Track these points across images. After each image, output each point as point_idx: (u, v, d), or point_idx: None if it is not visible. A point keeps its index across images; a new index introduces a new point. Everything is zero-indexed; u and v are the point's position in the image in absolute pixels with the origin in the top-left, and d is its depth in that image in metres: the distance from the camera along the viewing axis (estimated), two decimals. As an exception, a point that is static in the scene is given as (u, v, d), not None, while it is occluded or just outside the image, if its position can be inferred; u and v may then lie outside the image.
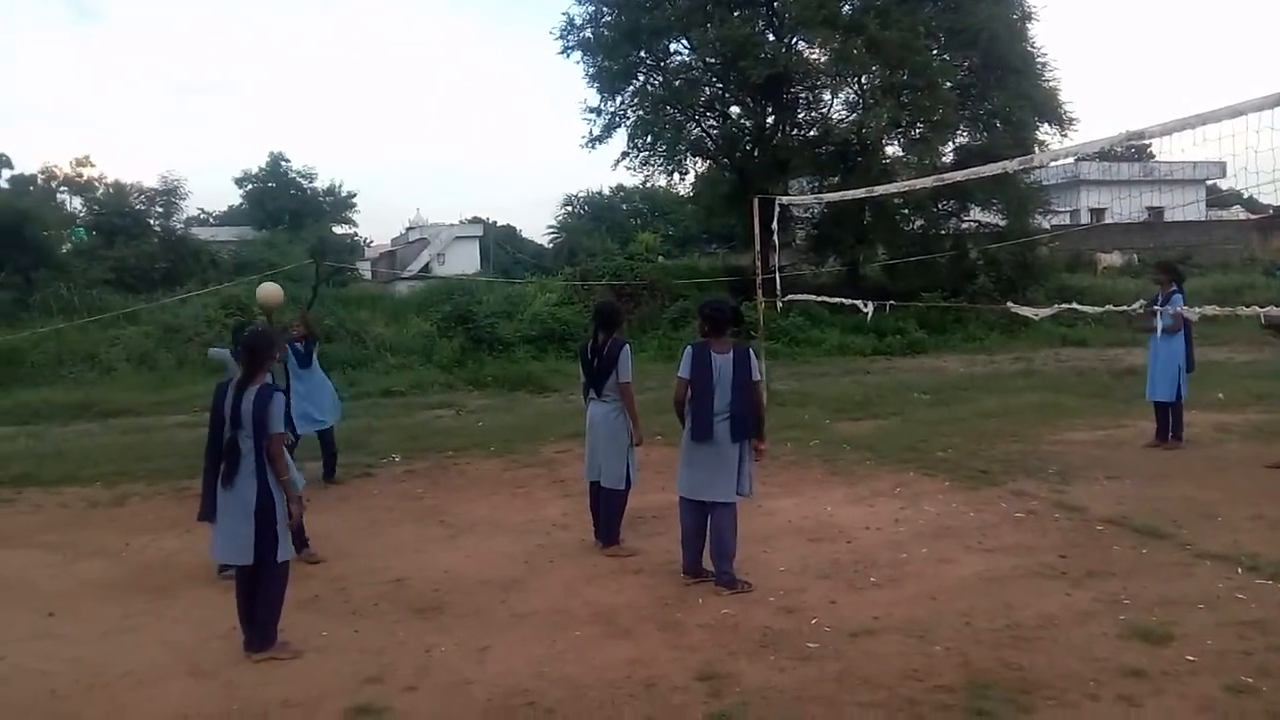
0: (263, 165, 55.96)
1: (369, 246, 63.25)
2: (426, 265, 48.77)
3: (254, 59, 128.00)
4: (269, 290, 8.57)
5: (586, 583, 5.98)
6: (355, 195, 59.58)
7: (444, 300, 22.65)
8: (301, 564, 6.03)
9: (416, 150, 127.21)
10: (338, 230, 55.89)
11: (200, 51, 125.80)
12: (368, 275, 42.77)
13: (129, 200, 36.07)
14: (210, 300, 21.24)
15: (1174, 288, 9.46)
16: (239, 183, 56.60)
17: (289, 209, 52.05)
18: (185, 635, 5.28)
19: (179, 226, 36.21)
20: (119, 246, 31.53)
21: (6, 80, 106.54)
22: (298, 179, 55.80)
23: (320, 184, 57.01)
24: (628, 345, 6.57)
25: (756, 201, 13.59)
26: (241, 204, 57.20)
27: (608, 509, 6.64)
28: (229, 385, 4.95)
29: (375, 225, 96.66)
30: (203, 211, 58.23)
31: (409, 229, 58.28)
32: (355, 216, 60.89)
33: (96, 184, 41.43)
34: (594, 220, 54.09)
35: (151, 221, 34.90)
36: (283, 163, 55.60)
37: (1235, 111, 6.99)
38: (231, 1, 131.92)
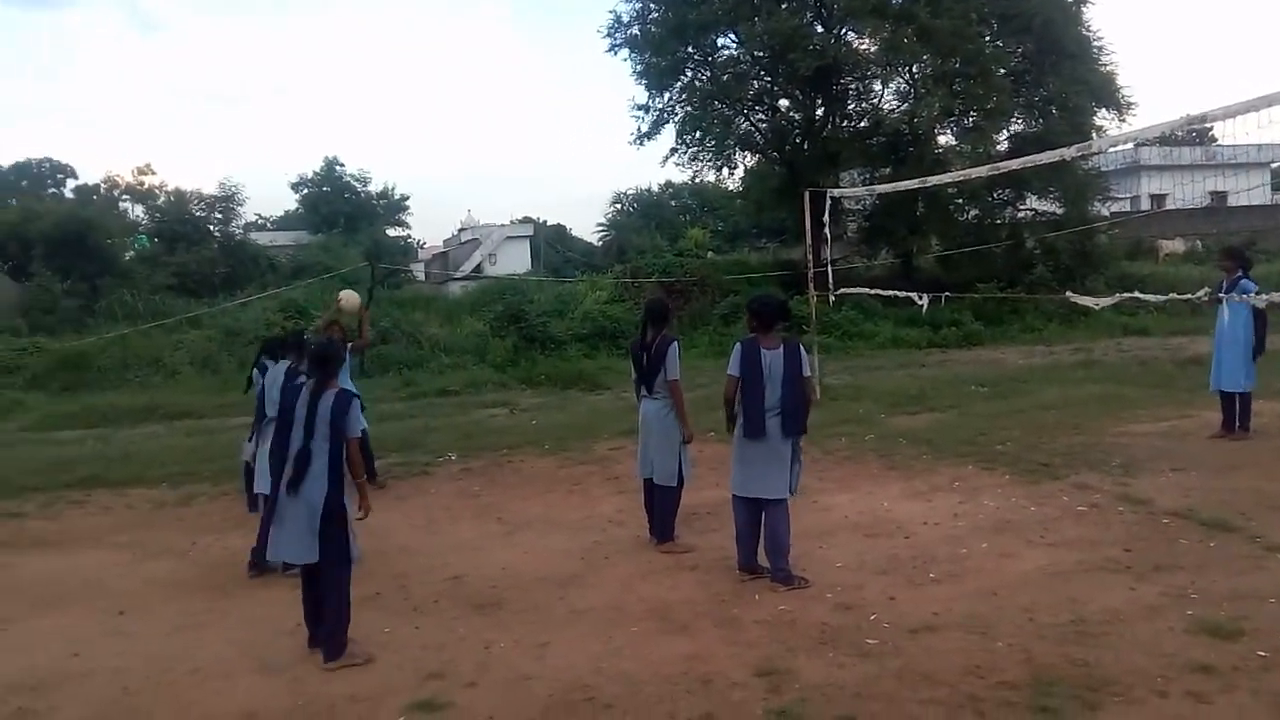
0: (318, 170, 56.89)
1: (422, 248, 64.00)
2: (478, 266, 49.22)
3: (308, 64, 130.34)
4: (351, 298, 8.81)
5: (642, 579, 5.99)
6: (408, 198, 60.38)
7: (496, 300, 22.90)
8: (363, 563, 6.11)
9: (468, 152, 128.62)
10: (391, 233, 56.66)
11: (257, 58, 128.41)
12: (421, 277, 43.35)
13: (189, 207, 37.02)
14: (269, 304, 21.69)
15: (1240, 274, 9.19)
16: (295, 187, 57.62)
17: (344, 212, 52.83)
18: (251, 633, 5.38)
19: (238, 232, 37.13)
20: (180, 253, 32.37)
21: (72, 91, 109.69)
22: (352, 182, 56.61)
23: (374, 187, 57.81)
24: (676, 342, 6.56)
25: (807, 195, 13.49)
26: (298, 208, 58.19)
27: (661, 506, 6.65)
28: (302, 386, 5.07)
29: (428, 227, 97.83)
30: (260, 217, 59.61)
31: (461, 230, 58.85)
32: (408, 219, 61.70)
33: (158, 192, 42.59)
34: (643, 217, 54.10)
35: (211, 227, 35.78)
36: (337, 167, 56.46)
37: (1304, 91, 6.79)
38: (285, 7, 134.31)
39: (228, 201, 37.46)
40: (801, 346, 5.75)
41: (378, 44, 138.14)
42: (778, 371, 5.64)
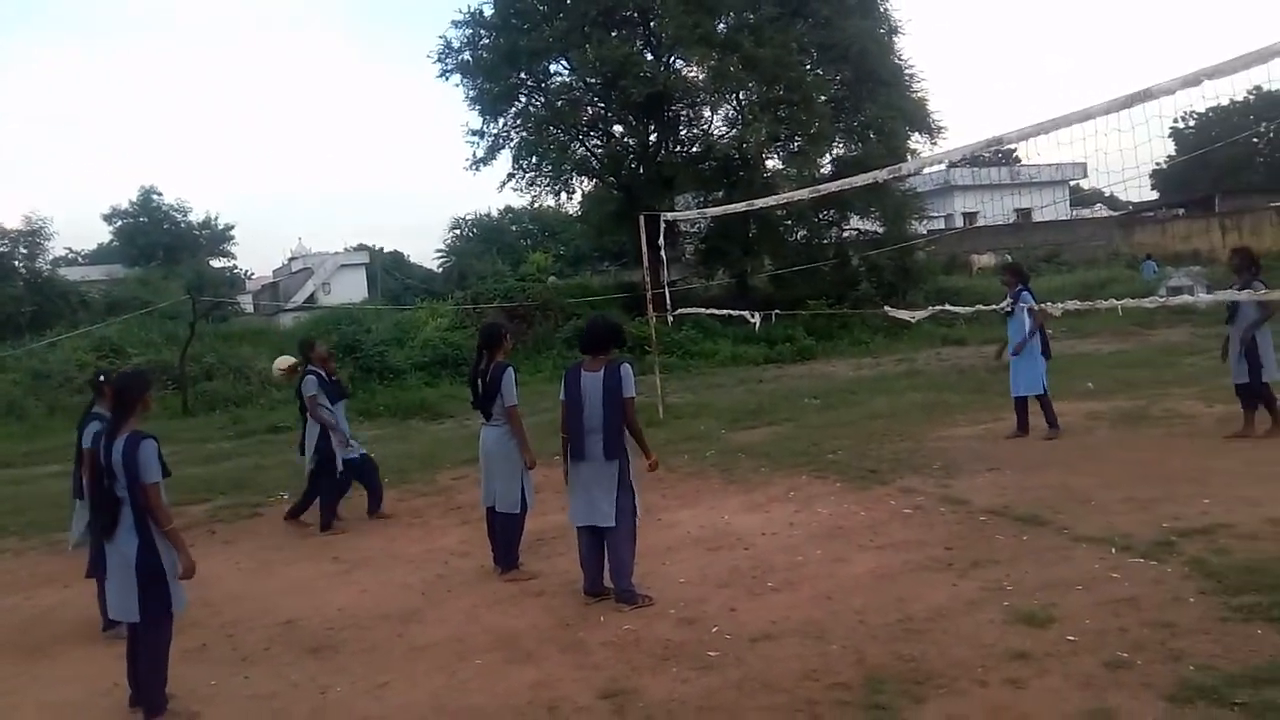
0: (133, 200, 53.83)
1: (250, 279, 61.35)
2: (311, 295, 47.50)
3: (123, 87, 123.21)
4: (281, 363, 8.54)
5: (487, 609, 5.90)
6: (233, 227, 57.93)
7: (330, 330, 22.17)
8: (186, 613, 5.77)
9: (297, 179, 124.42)
10: (216, 264, 54.14)
11: (64, 80, 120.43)
12: (249, 309, 41.50)
13: (-11, 243, 34.22)
14: (81, 343, 20.32)
15: (1020, 287, 9.92)
16: (108, 219, 54.33)
17: (163, 244, 50.20)
18: (67, 695, 5.02)
19: (45, 268, 34.57)
20: (-20, 292, 29.89)
21: None
22: (171, 213, 53.81)
23: (195, 217, 55.17)
24: (510, 368, 6.52)
25: (643, 218, 13.73)
26: (112, 241, 54.82)
27: (504, 533, 6.57)
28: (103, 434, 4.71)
29: (256, 257, 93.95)
30: (71, 251, 55.71)
31: (291, 259, 56.73)
32: (234, 249, 59.18)
33: (-47, 227, 39.05)
34: (484, 243, 53.69)
35: (16, 264, 33.21)
36: (155, 196, 53.60)
37: (1085, 115, 7.39)
38: (92, 29, 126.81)
39: (33, 235, 34.86)
40: (625, 368, 5.74)
41: (197, 67, 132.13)
42: (596, 394, 5.67)
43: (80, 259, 56.59)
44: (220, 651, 5.51)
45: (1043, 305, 9.52)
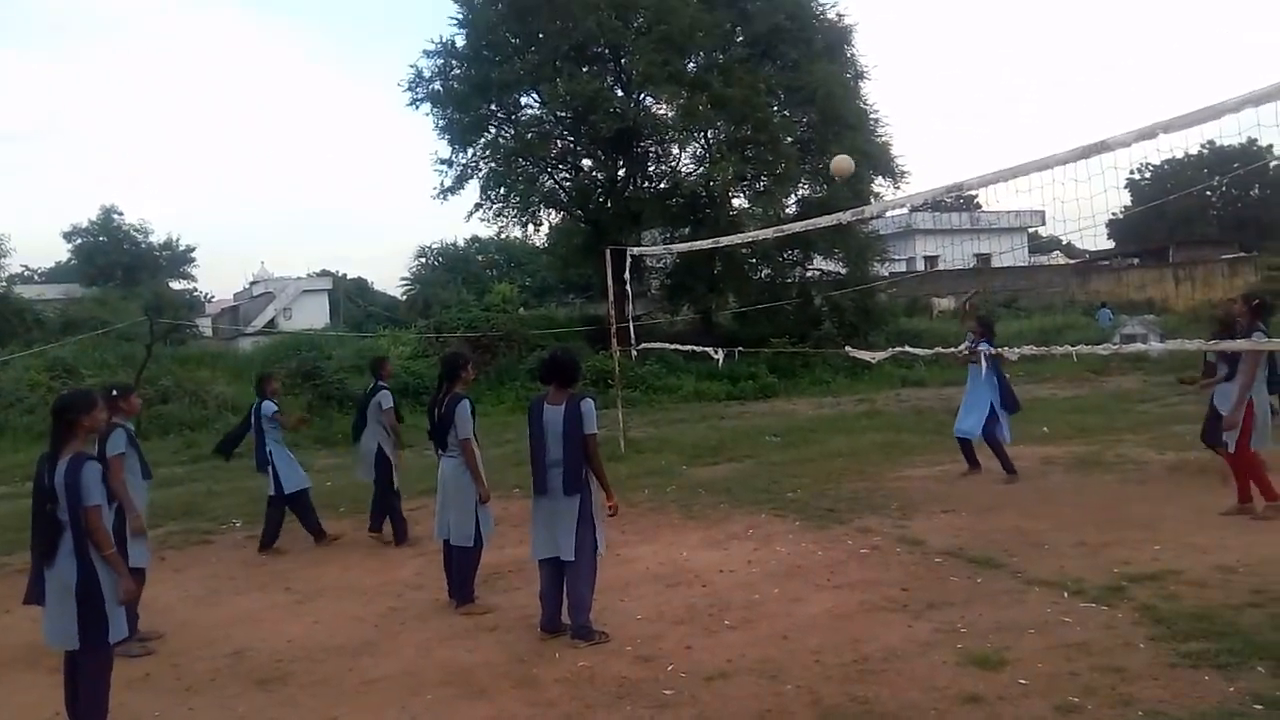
0: (93, 218, 53.02)
1: (210, 302, 60.54)
2: (272, 320, 47.00)
3: (84, 104, 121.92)
4: (843, 162, 9.46)
5: (440, 643, 5.83)
6: (194, 249, 57.17)
7: (290, 356, 21.89)
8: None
9: (261, 202, 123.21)
10: (175, 286, 53.33)
11: (26, 94, 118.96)
12: (208, 332, 40.96)
13: (-59, 257, 33.60)
14: (34, 362, 19.87)
15: (984, 339, 9.99)
16: (67, 237, 53.40)
17: (122, 264, 49.38)
18: (3, 723, 4.87)
19: (0, 285, 33.94)
20: (-70, 307, 29.26)
21: None
22: (132, 233, 53.06)
23: (157, 238, 54.41)
24: (466, 400, 6.49)
25: (610, 252, 13.80)
26: (70, 260, 53.93)
27: (459, 566, 6.52)
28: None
29: (217, 280, 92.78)
30: (27, 268, 54.76)
31: (253, 283, 56.12)
32: (195, 271, 58.28)
33: (-97, 239, 38.35)
34: (449, 272, 53.45)
35: (-30, 279, 32.61)
36: (115, 215, 52.84)
37: (1043, 165, 7.56)
38: (55, 40, 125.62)
39: (-11, 252, 34.33)
40: (586, 402, 5.71)
41: (164, 86, 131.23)
42: (557, 428, 5.65)
43: (37, 277, 55.66)
44: (165, 681, 5.39)
45: (999, 350, 9.69)
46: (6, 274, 36.91)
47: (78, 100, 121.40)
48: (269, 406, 8.77)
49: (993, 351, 9.76)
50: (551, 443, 5.67)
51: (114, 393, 6.37)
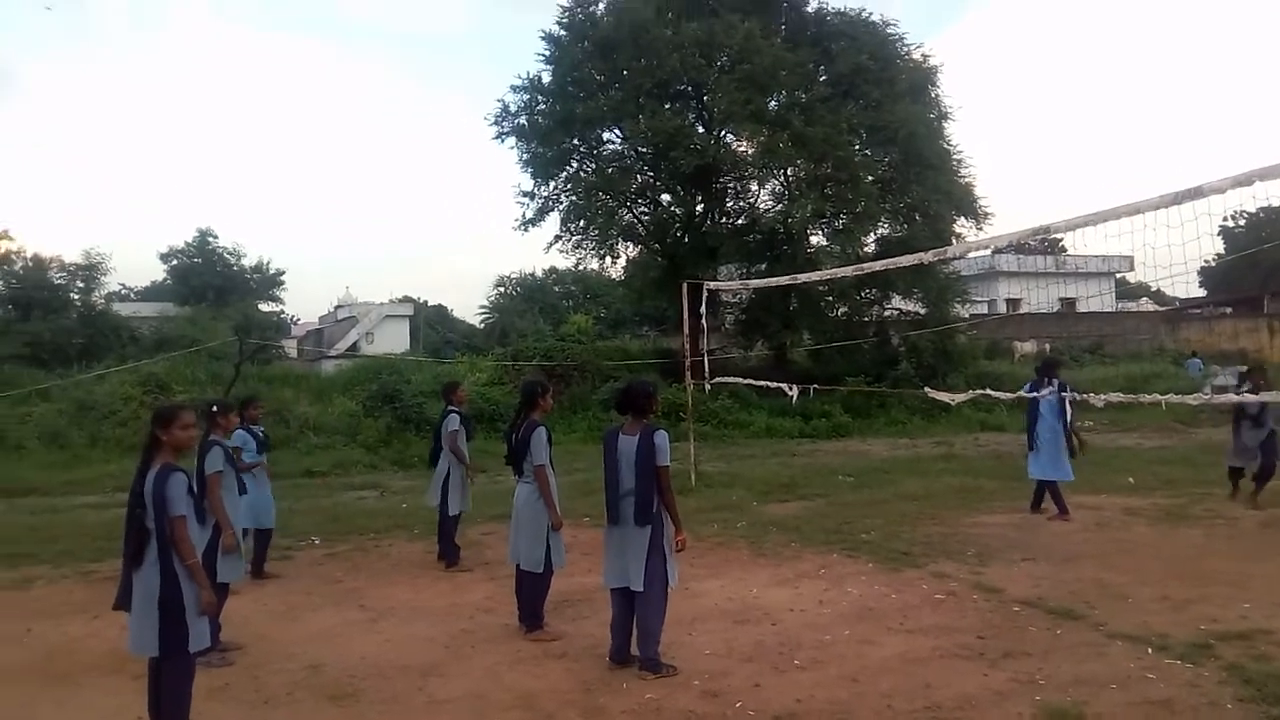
0: (189, 240, 55.11)
1: (296, 324, 62.33)
2: (354, 344, 48.23)
3: (185, 131, 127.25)
4: None
5: (509, 668, 5.88)
6: (283, 273, 58.92)
7: (371, 379, 22.41)
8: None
9: (348, 229, 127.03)
10: (264, 308, 55.00)
11: (129, 122, 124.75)
12: (293, 353, 42.13)
13: (48, 274, 35.24)
14: (128, 377, 20.68)
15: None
16: (164, 258, 55.58)
17: (214, 285, 51.15)
18: (87, 725, 5.05)
19: (99, 302, 35.45)
20: (35, 321, 30.69)
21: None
22: (225, 255, 55.01)
23: (248, 261, 56.28)
24: (542, 428, 6.56)
25: (686, 286, 13.86)
26: (166, 280, 56.08)
27: (529, 592, 6.57)
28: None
29: (304, 303, 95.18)
30: (125, 287, 57.09)
31: (337, 307, 57.73)
32: (283, 294, 59.98)
33: (15, 257, 40.33)
34: (526, 301, 54.27)
35: (73, 296, 34.12)
36: (210, 239, 54.85)
37: (1135, 210, 7.42)
38: (166, 74, 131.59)
39: (90, 270, 35.86)
40: (659, 434, 5.70)
41: (258, 114, 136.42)
42: (630, 458, 5.68)
43: (133, 295, 58.01)
44: (243, 692, 5.53)
45: (1064, 395, 10.15)
46: (105, 291, 38.47)
47: (178, 123, 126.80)
48: (452, 420, 8.91)
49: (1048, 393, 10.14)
50: (625, 473, 5.71)
51: (214, 409, 6.57)
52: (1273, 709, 4.72)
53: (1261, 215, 51.16)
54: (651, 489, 5.64)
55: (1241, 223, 52.94)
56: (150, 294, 57.35)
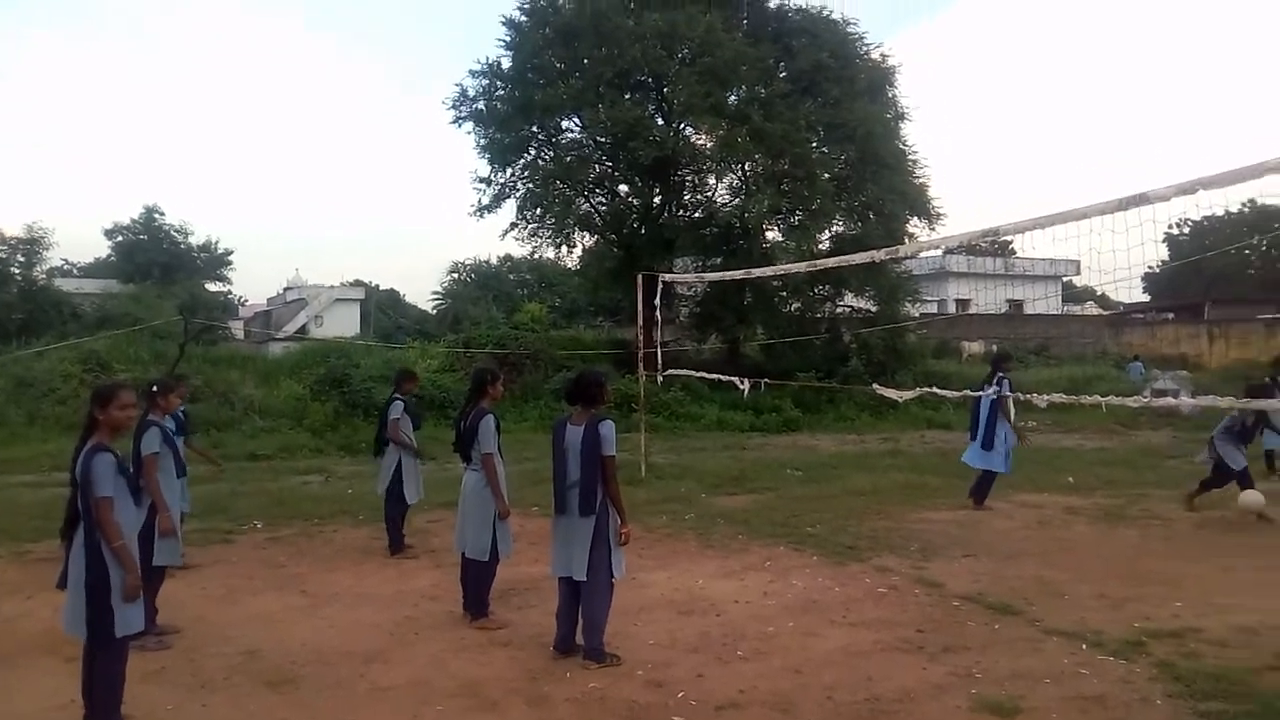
0: (135, 218, 53.88)
1: (244, 305, 61.26)
2: (303, 327, 47.49)
3: (132, 107, 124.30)
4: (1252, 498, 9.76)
5: (453, 655, 5.85)
6: (232, 252, 57.89)
7: (319, 363, 22.08)
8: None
9: (299, 211, 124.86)
10: (211, 287, 53.99)
11: (75, 95, 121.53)
12: (240, 335, 41.41)
13: (-13, 248, 34.26)
14: (68, 354, 20.17)
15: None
16: (109, 234, 54.29)
17: (160, 263, 50.06)
18: (22, 706, 4.96)
19: (41, 277, 34.55)
20: (-28, 296, 29.83)
21: None
22: (171, 233, 53.85)
23: (195, 239, 55.17)
24: (490, 416, 6.53)
25: (641, 278, 13.86)
26: (110, 256, 54.77)
27: (475, 580, 6.55)
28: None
29: (252, 284, 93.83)
30: (67, 262, 55.60)
31: (286, 289, 56.80)
32: (231, 274, 58.97)
33: (-49, 231, 39.12)
34: (480, 289, 53.86)
35: (13, 271, 33.21)
36: (157, 215, 53.66)
37: (1081, 215, 7.54)
38: (110, 45, 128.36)
39: (32, 244, 34.91)
40: (606, 424, 5.69)
41: (210, 91, 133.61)
42: (576, 448, 5.66)
43: (76, 271, 56.51)
44: (180, 676, 5.44)
45: (1012, 395, 10.61)
46: (47, 266, 37.47)
47: (126, 99, 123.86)
48: (395, 408, 8.82)
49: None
50: (571, 463, 5.69)
51: (154, 389, 6.42)
52: (1200, 704, 4.85)
53: (1205, 223, 52.52)
54: (596, 479, 5.63)
55: (1186, 230, 54.23)
56: (94, 270, 55.93)
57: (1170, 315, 45.83)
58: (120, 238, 53.78)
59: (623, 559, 5.82)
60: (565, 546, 5.74)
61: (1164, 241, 54.40)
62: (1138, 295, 54.49)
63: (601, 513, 5.67)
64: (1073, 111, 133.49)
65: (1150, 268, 51.25)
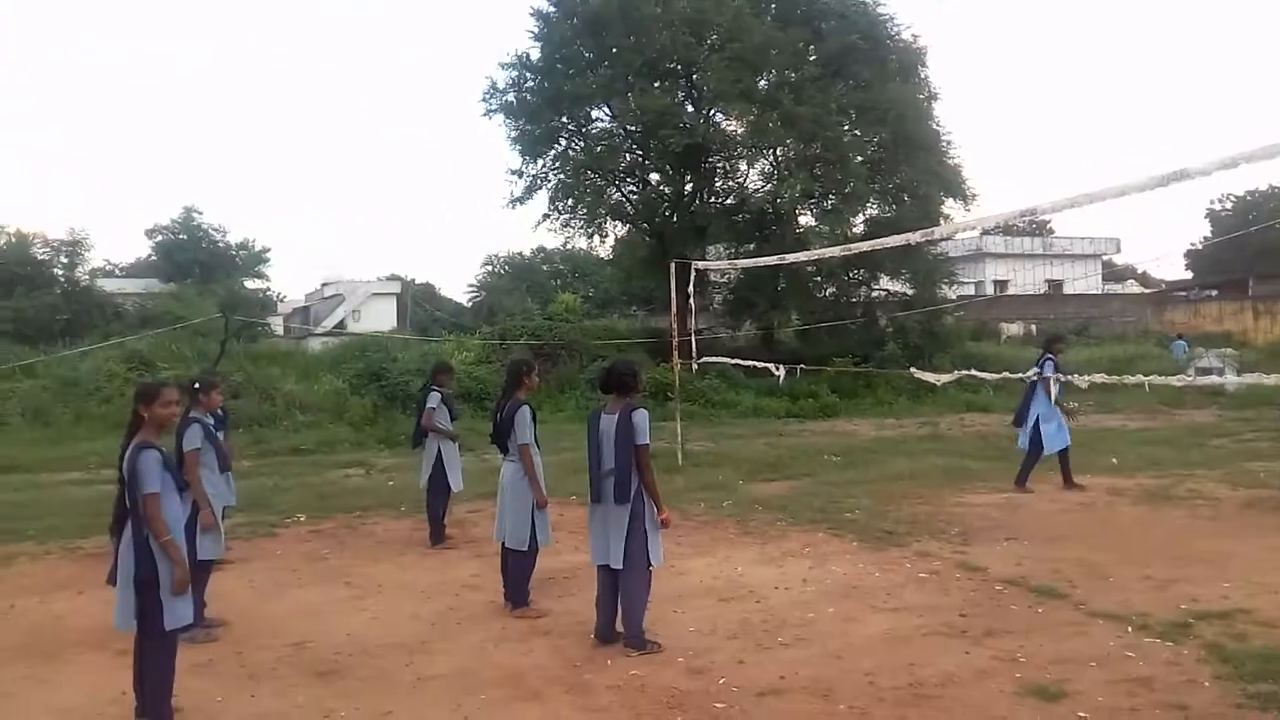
0: (174, 218, 54.59)
1: (282, 302, 61.93)
2: (341, 322, 47.97)
3: (169, 108, 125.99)
4: None
5: (495, 645, 5.90)
6: (269, 250, 58.46)
7: (357, 357, 22.30)
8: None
9: (335, 206, 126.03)
10: (250, 285, 54.60)
11: (112, 98, 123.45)
12: (280, 331, 41.94)
13: (31, 250, 34.92)
14: (113, 353, 20.56)
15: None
16: (149, 234, 55.05)
17: (199, 261, 50.70)
18: (73, 700, 5.05)
19: (84, 278, 35.18)
20: (18, 297, 30.43)
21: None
22: (210, 232, 54.53)
23: (233, 238, 55.80)
24: (526, 407, 6.57)
25: (674, 266, 13.83)
26: (150, 256, 55.61)
27: (514, 570, 6.59)
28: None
29: (290, 281, 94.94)
30: (109, 263, 56.53)
31: (324, 285, 57.38)
32: (269, 271, 59.55)
33: (-2, 233, 39.90)
34: (514, 280, 54.06)
35: (56, 272, 33.84)
36: (195, 214, 54.35)
37: (1121, 191, 7.44)
38: (153, 51, 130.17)
39: (74, 246, 35.55)
40: (639, 413, 5.69)
41: (245, 91, 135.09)
42: (610, 437, 5.69)
43: (118, 271, 57.45)
44: (228, 668, 5.53)
45: (1054, 376, 10.49)
46: (89, 267, 38.14)
47: (166, 104, 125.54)
48: (432, 398, 8.89)
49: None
50: (605, 451, 5.71)
51: (195, 386, 6.53)
52: (1249, 687, 4.77)
53: (1248, 198, 51.49)
54: (630, 468, 5.64)
55: (1228, 205, 53.18)
56: (135, 271, 56.82)
57: (1214, 292, 44.94)
58: (160, 238, 54.54)
59: (660, 547, 5.83)
60: (602, 535, 5.77)
61: (1206, 218, 53.49)
62: (1180, 273, 53.58)
63: (636, 501, 5.69)
64: (1111, 87, 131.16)
65: (1192, 244, 50.40)
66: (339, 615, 6.62)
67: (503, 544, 6.66)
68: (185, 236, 53.24)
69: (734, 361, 16.37)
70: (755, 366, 15.01)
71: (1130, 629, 5.79)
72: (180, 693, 4.77)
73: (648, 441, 5.69)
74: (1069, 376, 10.36)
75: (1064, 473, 10.84)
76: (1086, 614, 6.15)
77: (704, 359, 15.23)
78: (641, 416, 5.70)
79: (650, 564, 5.75)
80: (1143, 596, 6.47)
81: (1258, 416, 17.78)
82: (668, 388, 15.58)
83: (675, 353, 13.87)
